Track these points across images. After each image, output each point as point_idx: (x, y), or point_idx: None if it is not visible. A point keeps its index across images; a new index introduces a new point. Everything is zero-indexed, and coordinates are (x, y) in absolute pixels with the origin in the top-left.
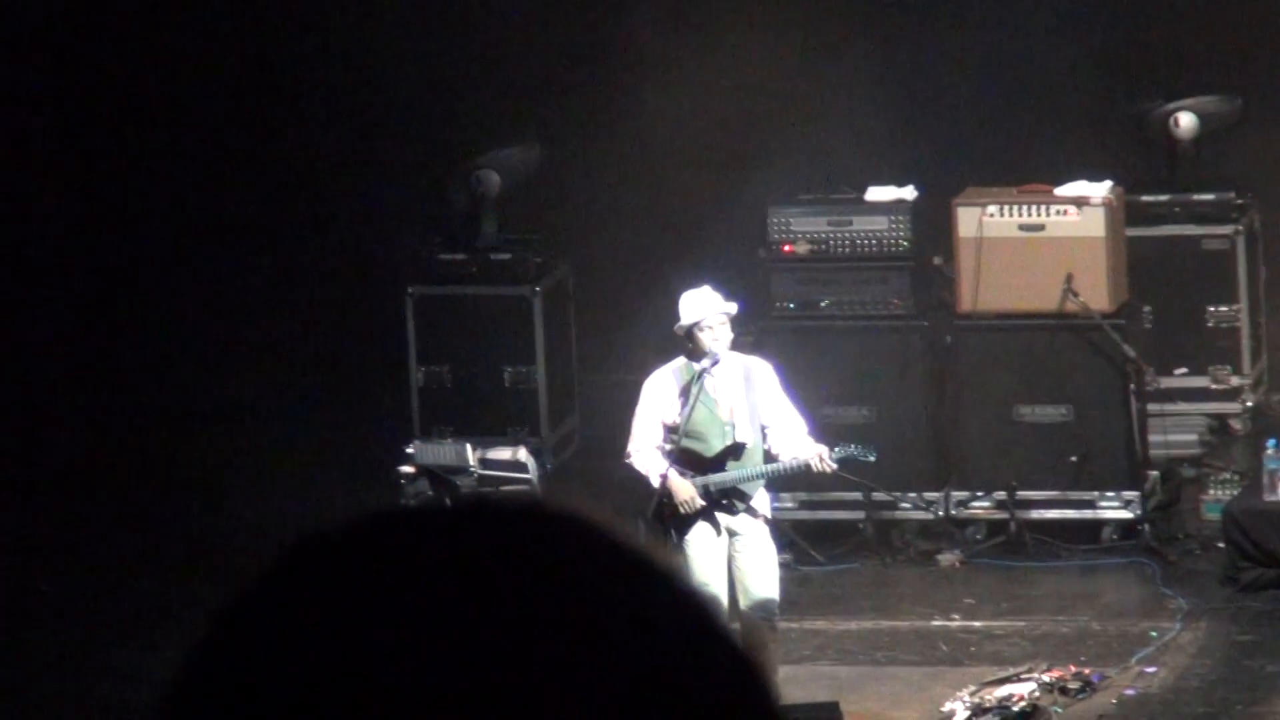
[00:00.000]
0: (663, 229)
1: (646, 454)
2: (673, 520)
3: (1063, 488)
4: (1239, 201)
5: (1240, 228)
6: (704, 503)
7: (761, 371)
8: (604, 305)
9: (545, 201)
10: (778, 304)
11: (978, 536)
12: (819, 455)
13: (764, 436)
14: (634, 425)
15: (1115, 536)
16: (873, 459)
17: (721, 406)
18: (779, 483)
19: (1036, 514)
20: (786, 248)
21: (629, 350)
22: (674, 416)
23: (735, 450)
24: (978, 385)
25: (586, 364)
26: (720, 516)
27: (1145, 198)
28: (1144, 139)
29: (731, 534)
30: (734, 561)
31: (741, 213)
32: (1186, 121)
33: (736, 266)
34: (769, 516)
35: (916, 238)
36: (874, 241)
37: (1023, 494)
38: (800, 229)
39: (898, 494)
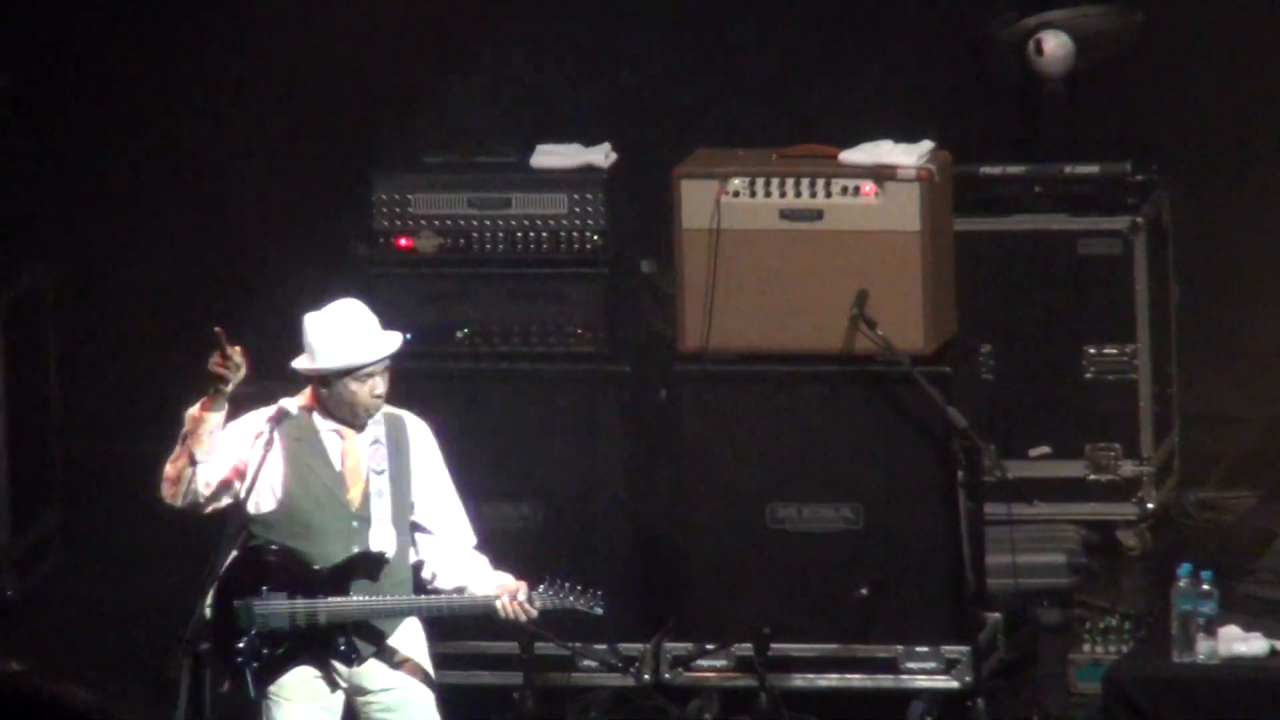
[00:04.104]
0: (204, 213)
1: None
2: (252, 659)
3: (846, 639)
4: (1139, 178)
5: (1140, 220)
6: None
7: (419, 436)
8: (106, 331)
9: (13, 168)
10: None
11: (706, 716)
12: (510, 596)
13: (414, 543)
14: None
15: (931, 716)
16: (599, 612)
17: (351, 487)
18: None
19: (801, 679)
20: (402, 242)
21: (149, 404)
22: (270, 496)
23: (369, 565)
24: (710, 469)
25: (75, 425)
26: (336, 665)
27: (987, 169)
28: (987, 76)
29: (359, 691)
30: None
31: (332, 187)
32: (1055, 47)
33: (322, 271)
34: (428, 668)
35: (615, 229)
36: (545, 234)
37: (779, 647)
38: (424, 211)
39: (578, 645)
